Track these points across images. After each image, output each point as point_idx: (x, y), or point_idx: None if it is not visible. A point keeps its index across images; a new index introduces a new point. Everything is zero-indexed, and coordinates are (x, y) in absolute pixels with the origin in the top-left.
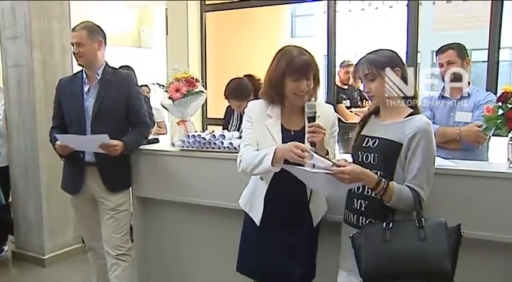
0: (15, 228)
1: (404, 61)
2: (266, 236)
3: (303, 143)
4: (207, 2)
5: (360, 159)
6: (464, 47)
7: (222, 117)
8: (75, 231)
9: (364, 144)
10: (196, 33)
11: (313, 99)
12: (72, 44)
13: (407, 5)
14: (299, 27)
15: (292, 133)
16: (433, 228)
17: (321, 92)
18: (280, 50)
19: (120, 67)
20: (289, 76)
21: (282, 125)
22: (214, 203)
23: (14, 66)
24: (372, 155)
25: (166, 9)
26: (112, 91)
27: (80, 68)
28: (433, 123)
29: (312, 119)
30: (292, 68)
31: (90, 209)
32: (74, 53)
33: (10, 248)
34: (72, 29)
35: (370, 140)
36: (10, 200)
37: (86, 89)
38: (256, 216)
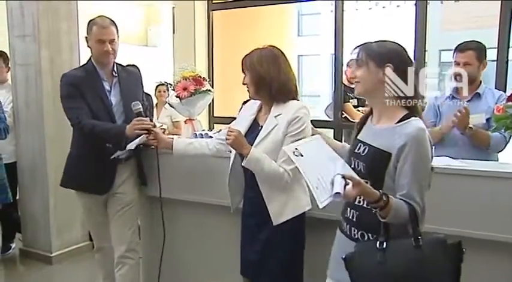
0: (22, 226)
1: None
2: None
3: (253, 137)
4: (214, 1)
5: (352, 166)
6: (485, 47)
7: (229, 116)
8: (82, 229)
9: (356, 150)
10: (203, 31)
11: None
12: (102, 41)
13: (415, 5)
14: (306, 26)
15: (259, 127)
16: (432, 246)
17: (328, 90)
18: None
19: (127, 66)
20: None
21: (255, 120)
22: (222, 201)
23: (22, 65)
24: (361, 163)
25: (174, 7)
26: (130, 87)
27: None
28: (439, 124)
29: (139, 114)
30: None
31: (101, 208)
32: (104, 51)
33: (18, 246)
34: (94, 23)
35: (362, 146)
36: (17, 197)
37: (107, 87)
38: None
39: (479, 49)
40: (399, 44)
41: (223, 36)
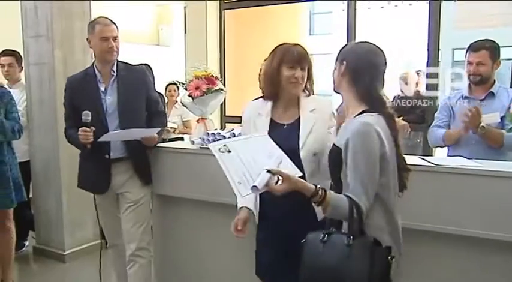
0: (35, 224)
1: (426, 59)
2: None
3: (295, 135)
4: (226, 0)
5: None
6: (498, 46)
7: (241, 115)
8: (94, 227)
9: (330, 150)
10: (215, 31)
11: (306, 92)
12: (106, 38)
13: (429, 3)
14: (317, 25)
15: (285, 127)
16: (360, 247)
17: None
18: (276, 47)
19: (139, 65)
20: (285, 64)
21: (272, 120)
22: (233, 201)
23: (36, 64)
24: (329, 162)
25: (185, 7)
26: (131, 86)
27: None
28: (453, 124)
29: (85, 125)
30: (288, 57)
31: (112, 206)
32: (109, 47)
33: (31, 244)
34: (96, 23)
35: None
36: (31, 195)
37: (102, 88)
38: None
39: (492, 48)
40: (373, 46)
41: (235, 36)
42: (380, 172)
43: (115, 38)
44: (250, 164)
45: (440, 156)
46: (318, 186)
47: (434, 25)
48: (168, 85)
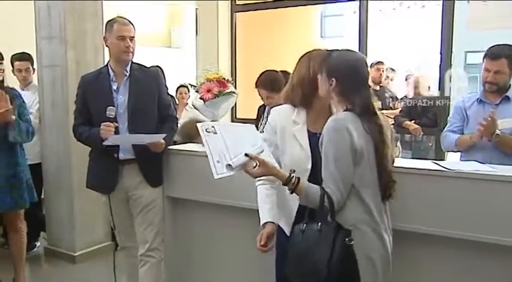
0: (47, 225)
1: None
2: None
3: None
4: (237, 2)
5: None
6: None
7: (252, 117)
8: (105, 229)
9: None
10: (227, 33)
11: None
12: (123, 37)
13: (442, 4)
14: (329, 27)
15: (318, 135)
16: (326, 232)
17: None
18: (307, 53)
19: (150, 67)
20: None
21: (308, 130)
22: (245, 204)
23: (49, 66)
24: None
25: (197, 9)
26: (143, 87)
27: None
28: (466, 128)
29: (109, 120)
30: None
31: (125, 208)
32: (126, 47)
33: (42, 244)
34: (114, 22)
35: None
36: (42, 197)
37: (114, 87)
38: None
39: (511, 56)
40: (357, 54)
41: (246, 38)
42: (354, 164)
43: (132, 38)
44: (232, 147)
45: (454, 161)
46: (292, 174)
47: (448, 26)
48: (178, 87)
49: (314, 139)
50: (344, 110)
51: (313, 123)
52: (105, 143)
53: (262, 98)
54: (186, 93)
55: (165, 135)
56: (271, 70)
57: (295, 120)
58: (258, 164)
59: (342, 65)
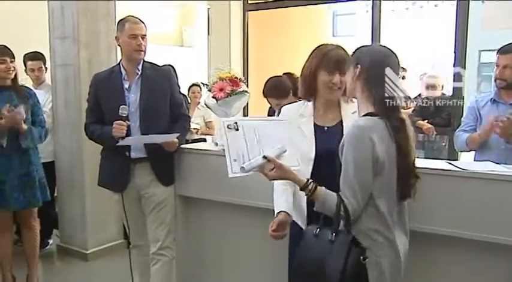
0: (59, 223)
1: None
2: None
3: (337, 138)
4: (249, 1)
5: None
6: None
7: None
8: (117, 227)
9: None
10: (239, 32)
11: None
12: (135, 36)
13: (456, 4)
14: (340, 26)
15: (326, 129)
16: (340, 244)
17: None
18: (316, 47)
19: (163, 66)
20: (322, 69)
21: (314, 123)
22: (257, 203)
23: (62, 65)
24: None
25: (209, 8)
26: (155, 86)
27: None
28: (479, 128)
29: (121, 118)
30: (326, 61)
31: (137, 206)
32: (137, 45)
33: (55, 242)
34: (126, 21)
35: None
36: (55, 195)
37: (126, 86)
38: (302, 219)
39: None
40: (386, 48)
41: (258, 37)
42: (374, 175)
43: (144, 37)
44: (252, 146)
45: (468, 161)
46: (310, 180)
47: (462, 26)
48: (191, 86)
49: (321, 132)
50: (365, 114)
51: (321, 117)
52: (119, 143)
53: (271, 106)
54: (198, 92)
55: (178, 134)
56: (275, 76)
57: (302, 113)
58: (275, 166)
59: (369, 54)
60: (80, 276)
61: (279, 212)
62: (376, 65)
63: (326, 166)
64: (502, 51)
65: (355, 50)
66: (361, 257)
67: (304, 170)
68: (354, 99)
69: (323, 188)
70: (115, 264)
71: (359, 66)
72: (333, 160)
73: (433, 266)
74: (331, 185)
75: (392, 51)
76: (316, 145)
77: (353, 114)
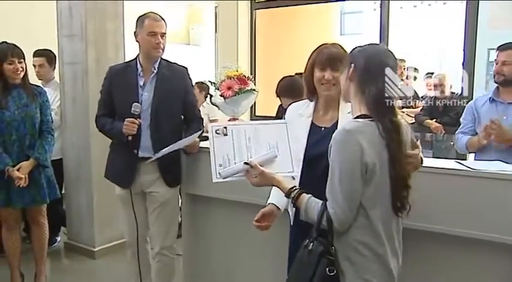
0: (67, 220)
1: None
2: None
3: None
4: (257, 0)
5: None
6: None
7: (271, 115)
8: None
9: None
10: (246, 30)
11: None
12: (154, 33)
13: (466, 3)
14: (348, 24)
15: (323, 130)
16: (316, 254)
17: None
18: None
19: (180, 66)
20: (316, 66)
21: (313, 123)
22: (264, 202)
23: (70, 63)
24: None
25: (216, 6)
26: (170, 86)
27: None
28: (478, 128)
29: (133, 116)
30: (319, 58)
31: (141, 205)
32: (156, 43)
33: (63, 239)
34: (146, 17)
35: None
36: (63, 192)
37: (141, 83)
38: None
39: None
40: (383, 47)
41: (266, 35)
42: (364, 183)
43: (163, 35)
44: (240, 151)
45: (478, 161)
46: (295, 187)
47: (471, 24)
48: (196, 84)
49: (316, 132)
50: (356, 117)
51: (321, 117)
52: (152, 160)
53: (282, 105)
54: (203, 90)
55: (199, 132)
56: (288, 76)
57: (300, 112)
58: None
59: (363, 53)
60: (87, 274)
61: (268, 204)
62: (370, 65)
63: (317, 168)
64: (501, 48)
65: (351, 50)
66: (327, 269)
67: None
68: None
69: (307, 195)
70: (122, 262)
71: (353, 66)
72: (325, 162)
73: (438, 265)
74: (324, 188)
75: (390, 51)
76: (307, 146)
77: (349, 114)
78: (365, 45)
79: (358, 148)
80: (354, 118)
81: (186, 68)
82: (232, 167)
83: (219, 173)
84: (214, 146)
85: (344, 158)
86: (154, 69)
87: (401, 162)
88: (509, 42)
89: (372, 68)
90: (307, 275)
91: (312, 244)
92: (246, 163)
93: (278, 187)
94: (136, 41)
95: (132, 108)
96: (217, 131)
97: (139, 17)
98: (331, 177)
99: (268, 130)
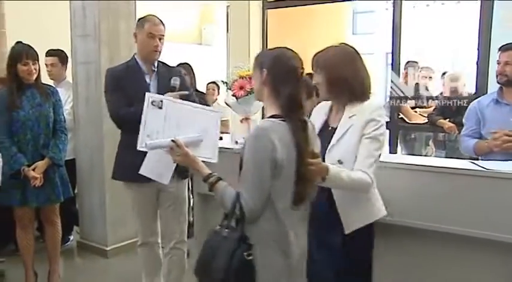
0: (80, 219)
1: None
2: None
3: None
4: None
5: None
6: None
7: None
8: (136, 224)
9: None
10: (258, 30)
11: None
12: (153, 35)
13: (480, 3)
14: (360, 24)
15: (330, 129)
16: (232, 241)
17: (382, 89)
18: None
19: (179, 64)
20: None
21: (326, 122)
22: None
23: (83, 63)
24: None
25: (228, 6)
26: (167, 84)
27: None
28: (483, 130)
29: (173, 89)
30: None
31: (152, 202)
32: (154, 46)
33: (76, 238)
34: (146, 20)
35: None
36: (76, 191)
37: (148, 80)
38: None
39: None
40: (289, 50)
41: (277, 35)
42: (273, 176)
43: (161, 38)
44: (170, 127)
45: (492, 161)
46: (213, 173)
47: (486, 24)
48: (207, 84)
49: (325, 132)
50: (270, 116)
51: (333, 118)
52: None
53: None
54: (214, 90)
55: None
56: None
57: (318, 111)
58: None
59: (271, 56)
60: (100, 272)
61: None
62: (279, 66)
63: None
64: (503, 48)
65: (257, 55)
66: (245, 254)
67: None
68: (359, 101)
69: (224, 183)
70: (134, 261)
71: (264, 69)
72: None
73: (450, 265)
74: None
75: (294, 52)
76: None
77: (350, 117)
78: (271, 49)
79: (270, 144)
80: (268, 117)
81: (188, 65)
82: (160, 140)
83: (146, 143)
84: (147, 116)
85: (257, 152)
86: (154, 68)
87: (305, 161)
88: (511, 43)
89: (282, 70)
90: (222, 261)
91: (226, 230)
92: (173, 141)
93: (198, 170)
94: (135, 42)
95: (172, 81)
96: (154, 103)
97: (140, 19)
98: (245, 169)
99: (202, 115)
